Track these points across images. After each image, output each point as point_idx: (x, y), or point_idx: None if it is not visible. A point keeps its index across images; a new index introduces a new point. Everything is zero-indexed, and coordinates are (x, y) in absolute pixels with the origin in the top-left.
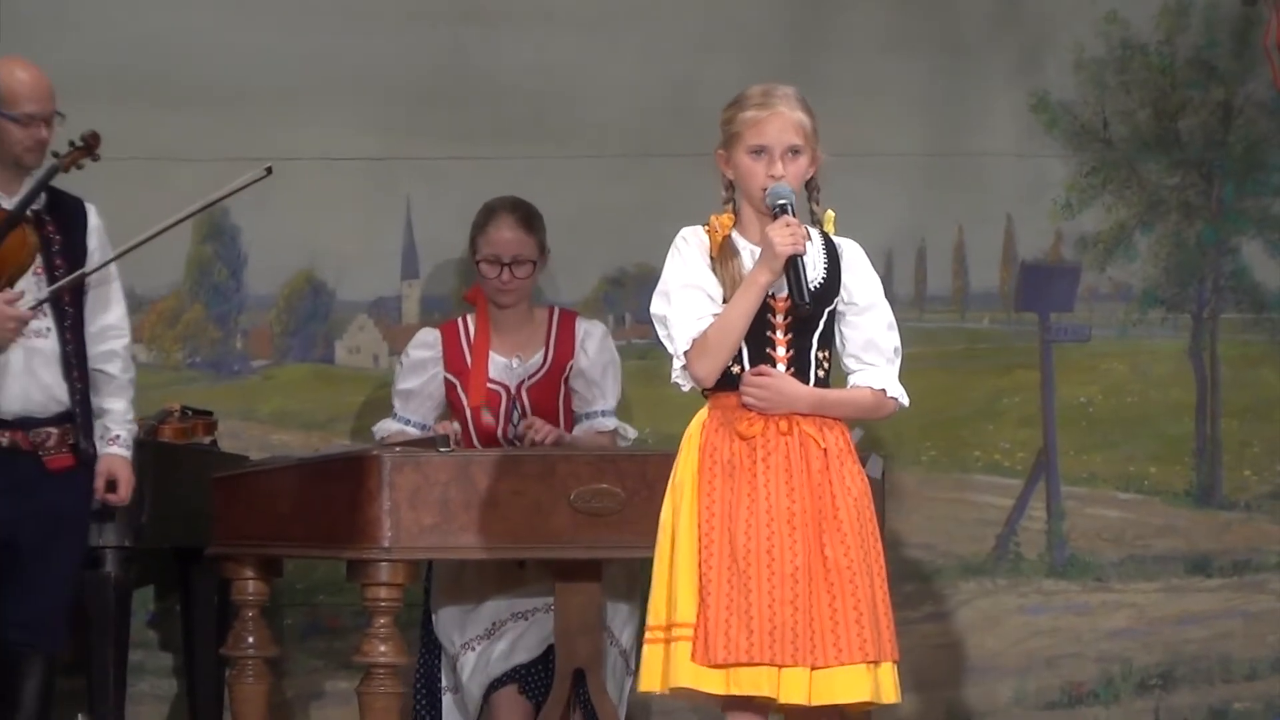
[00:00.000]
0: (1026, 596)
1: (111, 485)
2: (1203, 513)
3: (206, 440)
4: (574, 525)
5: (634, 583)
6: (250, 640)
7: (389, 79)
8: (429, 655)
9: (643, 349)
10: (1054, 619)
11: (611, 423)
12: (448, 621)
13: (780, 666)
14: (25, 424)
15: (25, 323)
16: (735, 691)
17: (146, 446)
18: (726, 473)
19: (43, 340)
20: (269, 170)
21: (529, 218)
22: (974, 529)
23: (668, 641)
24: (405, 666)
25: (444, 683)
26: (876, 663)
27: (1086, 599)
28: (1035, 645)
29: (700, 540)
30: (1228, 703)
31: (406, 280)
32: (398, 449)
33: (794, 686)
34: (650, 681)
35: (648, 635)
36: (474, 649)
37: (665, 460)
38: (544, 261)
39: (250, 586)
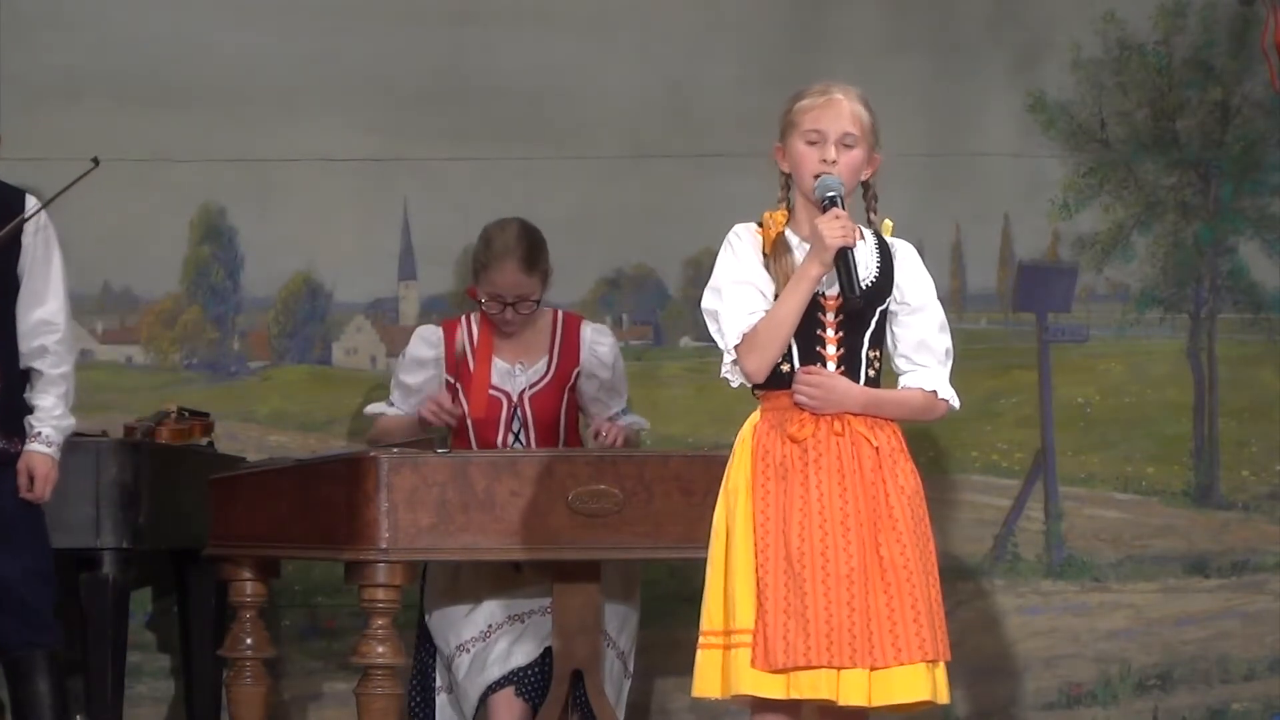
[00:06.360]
0: (1024, 597)
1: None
2: (1201, 513)
3: (204, 441)
4: (572, 526)
5: (631, 585)
6: (248, 641)
7: (386, 80)
8: (424, 654)
9: (639, 350)
10: (1052, 620)
11: (637, 420)
12: (443, 623)
13: (839, 669)
14: None
15: None
16: (795, 695)
17: (143, 448)
18: (779, 475)
19: None
20: (95, 162)
21: (532, 256)
22: (972, 530)
23: (727, 648)
24: (403, 667)
25: (438, 682)
26: (935, 662)
27: (1084, 599)
28: (1033, 646)
29: (756, 545)
30: (1226, 703)
31: (404, 281)
32: (395, 450)
33: (853, 688)
34: (706, 687)
35: (701, 640)
36: (469, 651)
37: (662, 461)
38: (547, 286)
39: (248, 588)
